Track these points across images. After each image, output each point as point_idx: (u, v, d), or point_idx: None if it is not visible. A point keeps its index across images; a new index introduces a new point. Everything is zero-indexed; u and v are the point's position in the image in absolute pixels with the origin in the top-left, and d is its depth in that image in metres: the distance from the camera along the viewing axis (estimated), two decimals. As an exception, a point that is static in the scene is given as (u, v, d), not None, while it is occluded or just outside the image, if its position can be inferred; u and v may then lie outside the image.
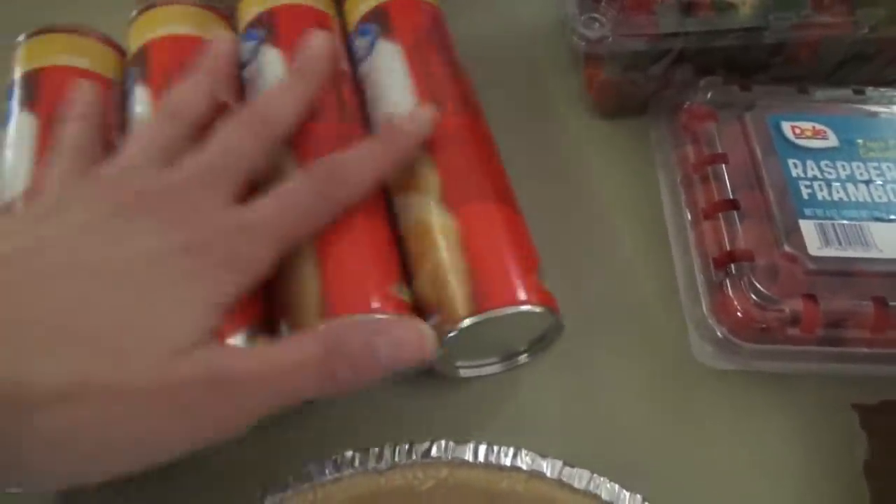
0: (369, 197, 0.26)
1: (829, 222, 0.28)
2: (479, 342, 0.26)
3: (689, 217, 0.31)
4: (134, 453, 0.20)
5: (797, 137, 0.31)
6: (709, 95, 0.33)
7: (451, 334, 0.24)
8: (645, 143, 0.35)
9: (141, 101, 0.29)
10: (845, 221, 0.28)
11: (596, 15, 0.31)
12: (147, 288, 0.20)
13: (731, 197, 0.30)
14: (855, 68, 0.36)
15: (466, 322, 0.24)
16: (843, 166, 0.30)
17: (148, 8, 0.32)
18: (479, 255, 0.25)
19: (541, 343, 0.28)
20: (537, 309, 0.25)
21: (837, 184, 0.29)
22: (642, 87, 0.36)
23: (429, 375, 0.29)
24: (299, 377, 0.21)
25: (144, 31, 0.31)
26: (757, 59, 0.35)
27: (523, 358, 0.28)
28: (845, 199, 0.29)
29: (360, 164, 0.25)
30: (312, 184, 0.24)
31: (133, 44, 0.32)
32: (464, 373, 0.28)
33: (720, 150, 0.31)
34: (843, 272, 0.27)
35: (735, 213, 0.29)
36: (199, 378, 0.20)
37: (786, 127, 0.31)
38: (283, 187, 0.24)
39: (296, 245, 0.24)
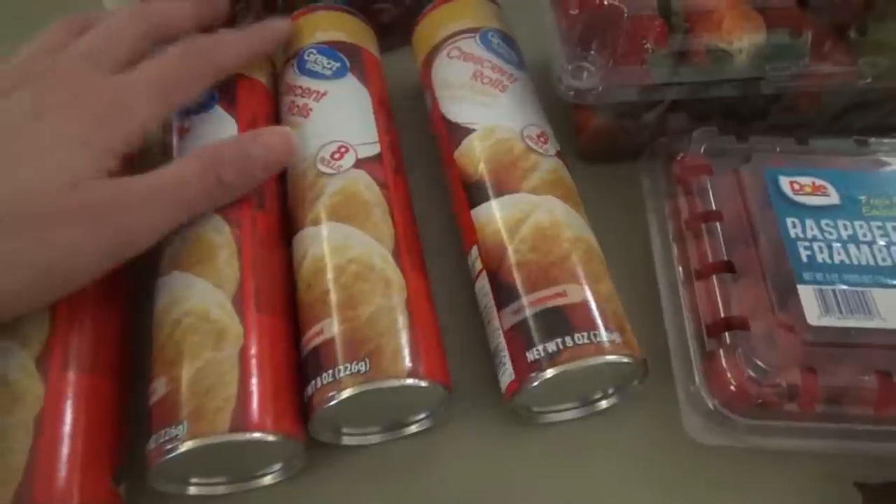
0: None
1: (829, 288, 0.27)
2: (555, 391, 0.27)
3: (682, 275, 0.30)
4: (54, 275, 0.24)
5: (796, 193, 0.29)
6: (703, 147, 0.31)
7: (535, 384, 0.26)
8: (636, 189, 0.34)
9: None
10: (847, 287, 0.27)
11: (584, 64, 0.30)
12: (33, 137, 0.25)
13: (726, 257, 0.28)
14: (858, 116, 0.34)
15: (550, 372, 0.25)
16: (844, 225, 0.28)
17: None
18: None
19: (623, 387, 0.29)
20: (602, 359, 0.26)
21: (838, 245, 0.28)
22: (635, 134, 0.34)
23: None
24: (187, 188, 0.27)
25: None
26: (754, 106, 0.33)
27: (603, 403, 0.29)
28: (847, 261, 0.27)
29: (227, 46, 0.31)
30: (184, 54, 0.29)
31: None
32: (541, 419, 0.29)
33: (714, 206, 0.30)
34: (845, 343, 0.26)
35: (729, 275, 0.28)
36: (95, 201, 0.25)
37: (784, 182, 0.29)
38: (159, 56, 0.29)
39: (171, 109, 0.29)
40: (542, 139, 0.31)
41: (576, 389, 0.28)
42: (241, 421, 0.24)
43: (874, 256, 0.27)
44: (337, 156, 0.30)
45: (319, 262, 0.27)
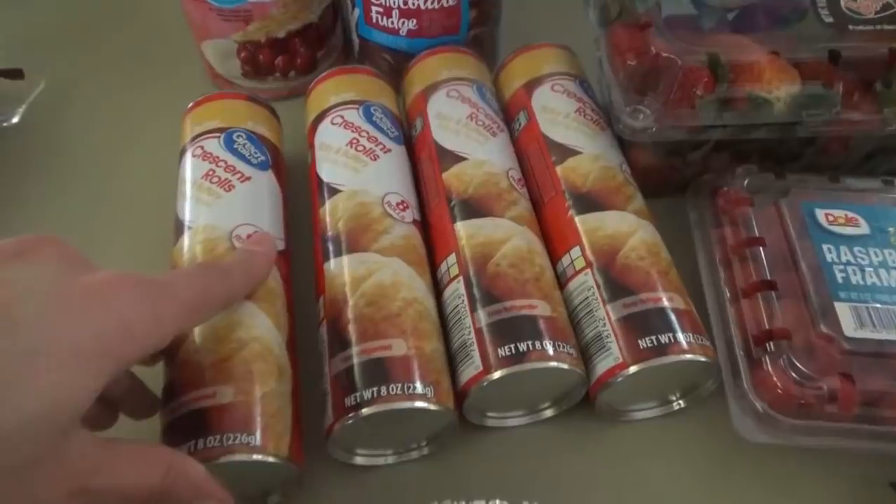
0: None
1: (863, 305, 0.30)
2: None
3: (728, 294, 0.33)
4: None
5: (830, 224, 0.33)
6: (745, 182, 0.35)
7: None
8: (684, 220, 0.38)
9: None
10: (879, 305, 0.30)
11: (640, 107, 0.34)
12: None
13: (769, 278, 0.32)
14: (884, 159, 0.38)
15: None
16: (875, 253, 0.32)
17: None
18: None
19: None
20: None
21: (870, 269, 0.31)
22: (682, 171, 0.38)
23: (479, 440, 0.31)
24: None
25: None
26: (790, 149, 0.37)
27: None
28: (878, 283, 0.31)
29: (236, 274, 0.29)
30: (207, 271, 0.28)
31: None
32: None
33: (757, 234, 0.33)
34: (879, 353, 0.29)
35: (773, 293, 0.31)
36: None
37: (819, 214, 0.33)
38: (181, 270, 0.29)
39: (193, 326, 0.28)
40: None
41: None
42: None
43: (902, 280, 0.31)
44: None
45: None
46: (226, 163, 0.35)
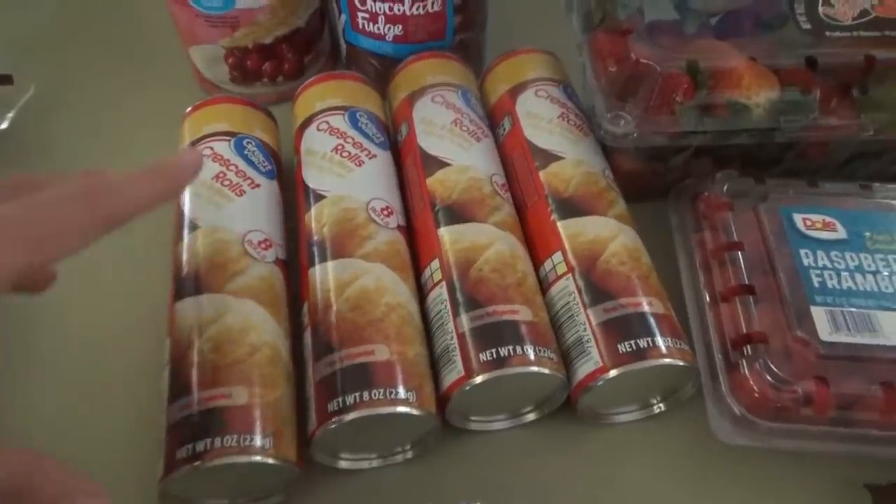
0: None
1: (838, 309, 0.31)
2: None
3: (708, 298, 0.34)
4: None
5: (808, 229, 0.33)
6: (725, 187, 0.36)
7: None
8: (665, 224, 0.38)
9: None
10: (854, 309, 0.30)
11: (621, 113, 0.35)
12: None
13: (747, 282, 0.32)
14: (863, 164, 0.39)
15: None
16: (851, 257, 0.32)
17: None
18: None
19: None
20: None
21: (846, 273, 0.32)
22: (664, 175, 0.39)
23: (463, 443, 0.31)
24: None
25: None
26: (770, 153, 0.38)
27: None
28: (854, 287, 0.31)
29: (125, 189, 0.24)
30: (63, 200, 0.23)
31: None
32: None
33: (736, 238, 0.34)
34: (854, 357, 0.29)
35: (751, 297, 0.32)
36: None
37: (797, 218, 0.34)
38: (32, 196, 0.22)
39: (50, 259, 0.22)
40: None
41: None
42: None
43: (878, 284, 0.31)
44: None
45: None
46: (237, 167, 0.36)
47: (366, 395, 0.28)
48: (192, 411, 0.28)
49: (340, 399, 0.28)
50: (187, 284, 0.32)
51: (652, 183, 0.39)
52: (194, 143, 0.37)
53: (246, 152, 0.37)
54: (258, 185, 0.36)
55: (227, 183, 0.35)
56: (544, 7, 0.49)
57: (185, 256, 0.33)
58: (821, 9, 0.36)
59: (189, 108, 0.39)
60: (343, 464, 0.31)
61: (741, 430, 0.30)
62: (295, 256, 0.35)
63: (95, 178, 0.24)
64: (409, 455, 0.32)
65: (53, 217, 0.22)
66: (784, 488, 0.31)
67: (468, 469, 0.32)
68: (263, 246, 0.33)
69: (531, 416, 0.33)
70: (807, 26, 0.35)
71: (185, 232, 0.34)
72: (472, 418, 0.32)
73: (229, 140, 0.37)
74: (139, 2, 0.54)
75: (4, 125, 0.47)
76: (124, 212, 0.24)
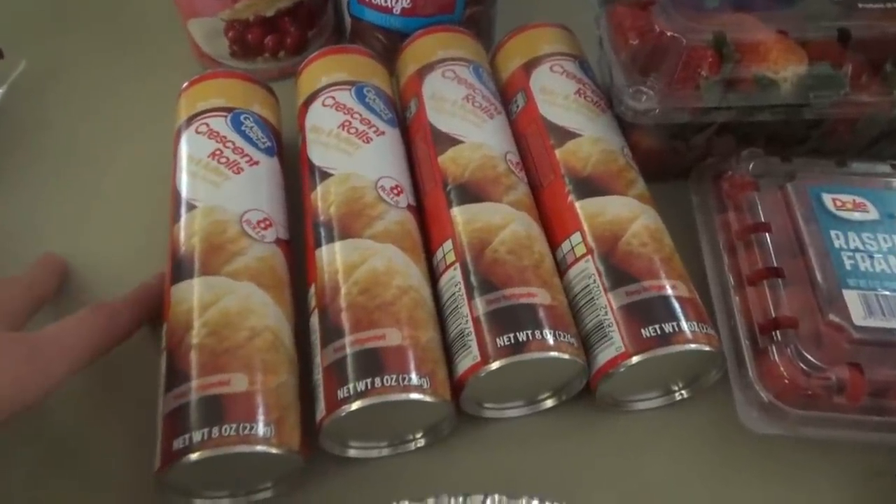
0: None
1: (872, 293, 0.29)
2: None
3: (733, 282, 0.32)
4: None
5: (838, 209, 0.32)
6: (750, 166, 0.34)
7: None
8: (686, 205, 0.37)
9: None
10: (888, 293, 0.29)
11: (643, 88, 0.33)
12: None
13: (775, 264, 0.31)
14: (890, 143, 0.37)
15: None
16: (884, 238, 0.31)
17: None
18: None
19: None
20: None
21: (879, 256, 0.30)
22: (684, 154, 0.37)
23: (477, 431, 0.30)
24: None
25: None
26: (796, 131, 0.36)
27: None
28: (887, 271, 0.30)
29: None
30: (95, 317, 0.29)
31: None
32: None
33: (762, 219, 0.32)
34: (889, 343, 0.28)
35: (779, 280, 0.30)
36: None
37: (827, 199, 0.32)
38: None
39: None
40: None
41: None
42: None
43: (912, 267, 0.30)
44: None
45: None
46: (234, 144, 0.34)
47: (377, 381, 0.27)
48: (189, 399, 0.27)
49: (351, 385, 0.27)
50: (184, 267, 0.30)
51: (672, 162, 0.38)
52: (190, 120, 0.35)
53: (244, 128, 0.35)
54: (257, 163, 0.34)
55: (224, 161, 0.33)
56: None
57: (181, 237, 0.31)
58: (852, -21, 0.34)
59: (185, 84, 0.37)
60: (352, 452, 0.30)
61: (769, 418, 0.28)
62: (300, 237, 0.33)
63: (106, 307, 0.30)
64: (422, 443, 0.30)
65: (89, 337, 0.28)
66: (812, 477, 0.30)
67: (483, 457, 0.31)
68: (263, 225, 0.32)
69: (549, 403, 0.31)
70: (838, -2, 0.34)
71: (183, 212, 0.32)
72: (487, 405, 0.31)
73: (226, 116, 0.35)
74: (134, -26, 0.52)
75: (-4, 100, 0.45)
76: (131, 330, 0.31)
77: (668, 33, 0.32)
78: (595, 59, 0.41)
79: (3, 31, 0.48)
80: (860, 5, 0.33)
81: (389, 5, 0.42)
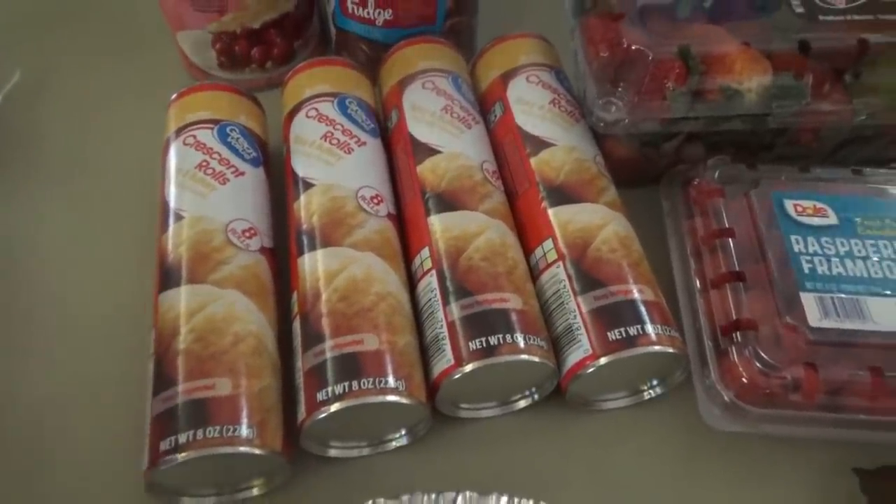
0: None
1: (828, 295, 0.30)
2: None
3: (699, 285, 0.33)
4: None
5: (799, 215, 0.33)
6: (717, 173, 0.36)
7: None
8: (657, 210, 0.38)
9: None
10: (843, 295, 0.30)
11: (612, 99, 0.34)
12: None
13: (737, 269, 0.32)
14: (855, 149, 0.38)
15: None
16: (841, 243, 0.32)
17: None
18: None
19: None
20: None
21: (836, 259, 0.32)
22: (656, 161, 0.39)
23: (453, 431, 0.31)
24: None
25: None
26: (762, 139, 0.37)
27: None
28: (844, 273, 0.31)
29: None
30: None
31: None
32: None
33: (727, 225, 0.34)
34: (842, 343, 0.29)
35: (741, 284, 0.32)
36: None
37: (788, 204, 0.34)
38: None
39: None
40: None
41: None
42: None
43: (868, 269, 0.31)
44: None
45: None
46: (220, 155, 0.35)
47: (355, 384, 0.28)
48: (176, 402, 0.28)
49: (330, 389, 0.28)
50: (171, 275, 0.32)
51: (644, 169, 0.39)
52: (178, 132, 0.36)
53: (229, 139, 0.36)
54: (242, 173, 0.35)
55: (210, 172, 0.35)
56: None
57: (169, 246, 0.33)
58: (814, -8, 0.35)
59: (173, 96, 0.39)
60: (333, 452, 0.31)
61: (731, 416, 0.30)
62: (284, 245, 0.35)
63: None
64: (399, 442, 0.32)
65: None
66: (773, 473, 0.31)
67: (458, 456, 0.32)
68: (248, 234, 0.33)
69: (521, 404, 0.33)
70: (800, 10, 0.35)
71: (171, 221, 0.33)
72: (462, 406, 0.32)
73: (213, 128, 0.36)
74: (125, -14, 0.53)
75: (-10, 112, 0.46)
76: None
77: (635, 46, 0.33)
78: (571, 70, 0.42)
79: (-3, 44, 0.49)
80: (821, 17, 0.35)
81: (372, 17, 0.43)
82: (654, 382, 0.33)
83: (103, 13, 0.52)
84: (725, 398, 0.30)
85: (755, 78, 0.34)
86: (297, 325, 0.31)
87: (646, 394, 0.33)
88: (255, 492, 0.30)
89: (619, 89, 0.34)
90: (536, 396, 0.32)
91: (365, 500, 0.28)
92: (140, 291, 0.35)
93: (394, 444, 0.32)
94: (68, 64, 0.49)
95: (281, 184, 0.37)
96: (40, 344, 0.36)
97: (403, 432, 0.32)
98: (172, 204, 0.34)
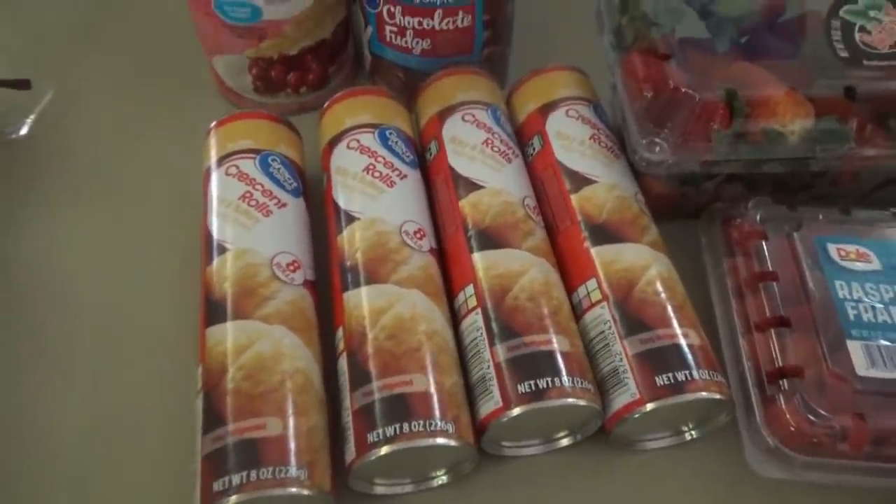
0: None
1: (874, 343, 0.31)
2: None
3: (741, 326, 0.34)
4: None
5: (842, 259, 0.33)
6: (759, 215, 0.36)
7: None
8: (695, 243, 0.38)
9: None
10: (889, 344, 0.31)
11: (657, 140, 0.35)
12: None
13: (782, 313, 0.32)
14: (892, 190, 0.39)
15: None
16: (885, 289, 0.32)
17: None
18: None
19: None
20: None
21: (881, 306, 0.32)
22: (694, 199, 0.39)
23: (496, 468, 0.31)
24: None
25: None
26: (802, 180, 0.38)
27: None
28: (889, 321, 0.31)
29: None
30: None
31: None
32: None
33: (770, 267, 0.34)
34: (890, 393, 0.29)
35: (786, 329, 0.32)
36: None
37: (832, 249, 0.34)
38: None
39: None
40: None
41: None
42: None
43: (912, 317, 0.32)
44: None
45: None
46: (262, 186, 0.35)
47: (405, 426, 0.28)
48: (227, 442, 0.28)
49: (380, 430, 0.28)
50: (218, 309, 0.32)
51: (683, 205, 0.39)
52: (220, 161, 0.37)
53: (271, 170, 0.36)
54: (285, 205, 0.35)
55: (253, 203, 0.35)
56: (566, 22, 0.49)
57: (214, 280, 0.33)
58: (857, 36, 0.36)
59: (213, 124, 0.39)
60: (379, 489, 0.31)
61: (775, 462, 0.30)
62: (324, 277, 0.35)
63: None
64: (444, 480, 0.32)
65: None
66: (816, 519, 0.31)
67: (501, 493, 0.32)
68: (292, 268, 0.33)
69: (564, 442, 0.33)
70: (843, 54, 0.35)
71: (215, 254, 0.33)
72: (505, 444, 0.33)
73: (254, 158, 0.36)
74: (158, 7, 0.53)
75: (24, 131, 0.46)
76: None
77: (683, 89, 0.34)
78: (608, 102, 0.42)
79: (31, 61, 0.49)
80: (865, 62, 0.35)
81: (409, 46, 0.43)
82: (698, 424, 0.33)
83: (137, 33, 0.52)
84: (770, 444, 0.30)
85: (798, 121, 0.34)
86: (343, 362, 0.31)
87: (688, 434, 0.33)
88: (444, 479, 0.31)
89: (664, 130, 0.34)
90: (580, 436, 0.33)
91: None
92: (177, 312, 0.35)
93: (438, 481, 0.32)
94: (101, 84, 0.49)
95: (320, 213, 0.37)
96: (87, 378, 0.36)
97: (448, 470, 0.32)
98: (216, 235, 0.34)
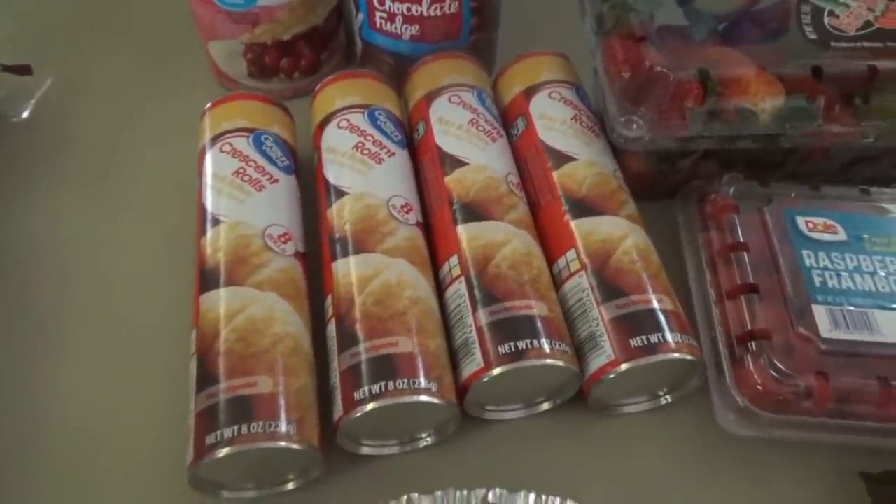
0: None
1: (838, 308, 0.32)
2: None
3: (713, 296, 0.35)
4: None
5: (810, 231, 0.35)
6: (732, 190, 0.37)
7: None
8: (672, 223, 0.40)
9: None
10: (853, 308, 0.32)
11: (634, 117, 0.36)
12: None
13: (752, 281, 0.34)
14: (861, 168, 0.40)
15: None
16: (850, 258, 0.34)
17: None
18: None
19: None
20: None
21: (846, 274, 0.33)
22: (671, 177, 0.40)
23: (479, 432, 0.33)
24: None
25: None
26: (774, 157, 0.39)
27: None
28: (853, 287, 0.33)
29: None
30: None
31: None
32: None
33: (742, 239, 0.35)
34: (852, 353, 0.31)
35: (755, 295, 0.33)
36: None
37: (800, 221, 0.35)
38: None
39: None
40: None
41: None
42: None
43: (875, 284, 0.33)
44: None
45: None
46: (255, 163, 0.37)
47: (390, 384, 0.30)
48: (219, 399, 0.29)
49: (366, 388, 0.30)
50: (211, 277, 0.33)
51: (660, 183, 0.41)
52: (214, 139, 0.38)
53: (264, 148, 0.38)
54: (277, 181, 0.37)
55: (246, 178, 0.36)
56: (551, 9, 0.51)
57: (208, 250, 0.34)
58: (826, 20, 0.37)
59: (208, 105, 0.40)
60: (365, 450, 0.33)
61: (744, 420, 0.31)
62: (316, 249, 0.36)
63: None
64: (429, 441, 0.33)
65: None
66: (783, 476, 0.33)
67: (484, 455, 0.33)
68: (283, 239, 0.35)
69: (544, 406, 0.34)
70: (813, 36, 0.37)
71: (209, 226, 0.35)
72: (489, 408, 0.34)
73: (248, 136, 0.38)
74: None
75: (25, 115, 0.47)
76: None
77: (658, 68, 0.35)
78: (590, 86, 0.44)
79: (31, 48, 0.50)
80: (833, 44, 0.36)
81: (399, 32, 0.45)
82: (672, 388, 0.34)
83: (135, 19, 0.54)
84: (740, 403, 0.31)
85: (769, 99, 0.36)
86: (331, 327, 0.33)
87: (663, 399, 0.35)
88: (291, 486, 0.32)
89: (641, 108, 0.36)
90: (559, 399, 0.34)
91: (397, 496, 0.30)
92: (176, 292, 0.36)
93: (423, 443, 0.33)
94: (101, 69, 0.50)
95: (311, 190, 0.39)
96: (85, 344, 0.37)
97: (432, 431, 0.33)
98: (210, 208, 0.35)
